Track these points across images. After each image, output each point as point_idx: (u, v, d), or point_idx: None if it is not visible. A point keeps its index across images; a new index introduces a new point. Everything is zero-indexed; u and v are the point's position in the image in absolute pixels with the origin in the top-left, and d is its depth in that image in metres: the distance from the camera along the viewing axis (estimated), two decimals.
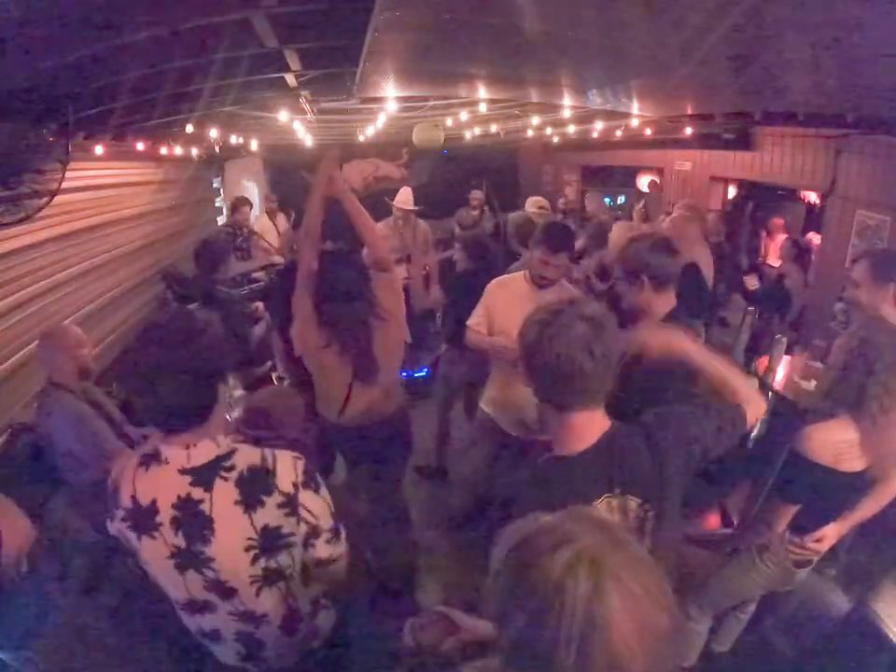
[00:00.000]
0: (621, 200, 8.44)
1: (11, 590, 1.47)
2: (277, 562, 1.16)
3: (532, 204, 4.83)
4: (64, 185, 2.45)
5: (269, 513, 1.10)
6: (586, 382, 1.06)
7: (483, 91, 3.01)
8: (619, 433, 1.14)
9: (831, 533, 1.70)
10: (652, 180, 6.53)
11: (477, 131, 5.44)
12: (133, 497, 1.11)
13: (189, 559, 1.11)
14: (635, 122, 4.65)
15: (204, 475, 1.08)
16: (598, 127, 5.06)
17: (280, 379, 3.76)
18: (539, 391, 1.14)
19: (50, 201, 2.40)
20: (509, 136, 6.22)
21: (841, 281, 3.52)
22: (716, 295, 4.64)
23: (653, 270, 1.74)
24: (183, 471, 1.08)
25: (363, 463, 2.43)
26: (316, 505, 1.17)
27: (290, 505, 1.12)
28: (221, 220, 6.30)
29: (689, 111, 4.02)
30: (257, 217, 6.03)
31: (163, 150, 4.04)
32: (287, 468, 1.14)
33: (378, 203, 4.65)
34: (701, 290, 3.14)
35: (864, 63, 1.79)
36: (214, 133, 3.89)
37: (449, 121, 4.30)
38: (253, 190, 7.21)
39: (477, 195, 6.66)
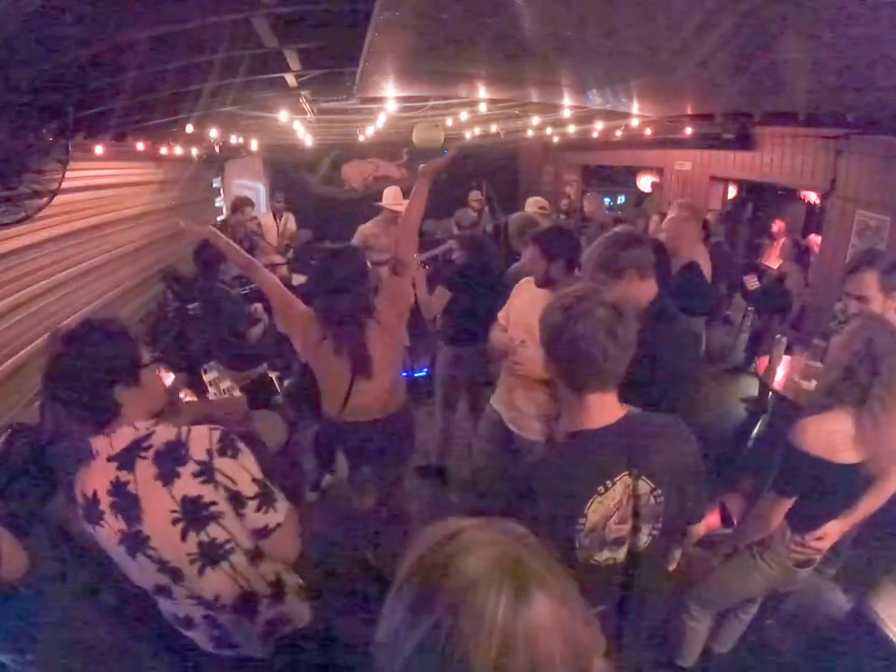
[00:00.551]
0: (621, 200, 8.46)
1: (11, 591, 1.47)
2: (208, 534, 1.18)
3: (532, 204, 4.83)
4: (64, 185, 2.45)
5: (186, 483, 1.15)
6: (607, 365, 1.11)
7: (483, 91, 3.01)
8: (637, 417, 1.20)
9: (832, 531, 1.70)
10: (654, 182, 6.54)
11: (477, 131, 5.44)
12: (83, 493, 1.20)
13: (133, 542, 1.19)
14: (635, 122, 4.65)
15: (126, 458, 1.16)
16: (598, 127, 5.07)
17: (280, 379, 3.77)
18: (560, 373, 1.18)
19: (50, 201, 2.40)
20: (509, 136, 6.22)
21: (841, 281, 3.51)
22: (718, 294, 4.65)
23: (636, 262, 1.80)
24: (109, 458, 1.17)
25: (364, 461, 2.44)
26: (234, 470, 1.18)
27: (206, 472, 1.15)
28: (221, 220, 6.30)
29: (689, 111, 4.02)
30: (262, 215, 6.03)
31: (163, 150, 4.04)
32: (201, 437, 1.18)
33: (379, 202, 4.65)
34: (702, 288, 3.14)
35: (864, 63, 1.79)
36: (214, 132, 3.89)
37: (449, 121, 4.30)
38: (253, 190, 7.22)
39: (477, 196, 6.65)
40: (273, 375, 3.77)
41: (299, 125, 4.02)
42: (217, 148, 5.01)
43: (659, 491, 1.18)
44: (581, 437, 1.18)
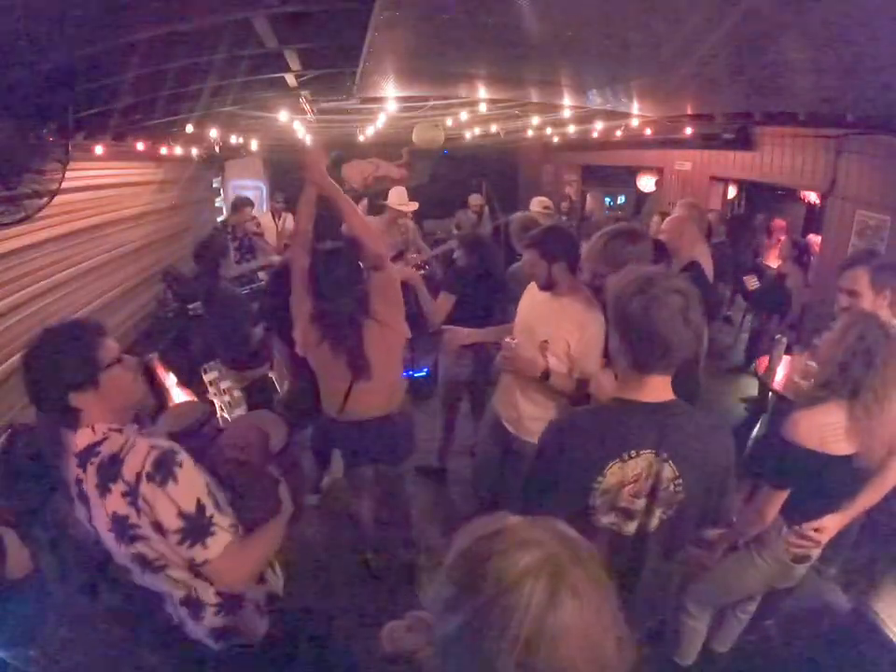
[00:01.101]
0: (621, 200, 8.45)
1: (11, 589, 1.47)
2: (138, 550, 1.18)
3: (536, 204, 4.83)
4: (64, 185, 2.45)
5: (115, 501, 1.15)
6: (678, 348, 1.15)
7: (483, 91, 3.02)
8: (681, 407, 1.24)
9: (830, 524, 1.70)
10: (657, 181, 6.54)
11: (477, 131, 5.44)
12: (72, 479, 1.25)
13: (93, 530, 1.24)
14: (635, 122, 4.65)
15: (82, 459, 1.19)
16: (598, 127, 5.06)
17: (281, 379, 3.77)
18: (628, 355, 1.20)
19: (50, 201, 2.40)
20: (509, 136, 6.22)
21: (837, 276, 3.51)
22: (718, 294, 4.65)
23: (636, 256, 1.81)
24: (75, 454, 1.21)
25: (361, 460, 2.43)
26: (159, 501, 1.13)
27: (131, 495, 1.14)
28: (221, 220, 6.31)
29: (689, 111, 4.02)
30: (261, 215, 6.03)
31: (163, 150, 4.04)
32: (137, 457, 1.15)
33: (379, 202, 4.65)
34: (704, 288, 3.13)
35: (864, 63, 1.79)
36: (214, 132, 3.89)
37: (449, 121, 4.30)
38: (254, 190, 7.21)
39: (477, 200, 6.65)
40: (273, 376, 3.77)
41: (299, 125, 4.02)
42: (216, 148, 5.01)
43: (681, 481, 1.22)
44: (622, 402, 1.23)
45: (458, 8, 1.50)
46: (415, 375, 4.30)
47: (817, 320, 4.09)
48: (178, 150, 4.28)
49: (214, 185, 6.46)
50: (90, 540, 1.33)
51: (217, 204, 6.56)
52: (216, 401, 3.16)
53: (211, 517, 1.19)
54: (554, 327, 2.15)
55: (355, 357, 2.10)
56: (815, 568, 1.90)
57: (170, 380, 2.94)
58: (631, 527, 1.27)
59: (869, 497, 1.72)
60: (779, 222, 6.06)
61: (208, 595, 1.28)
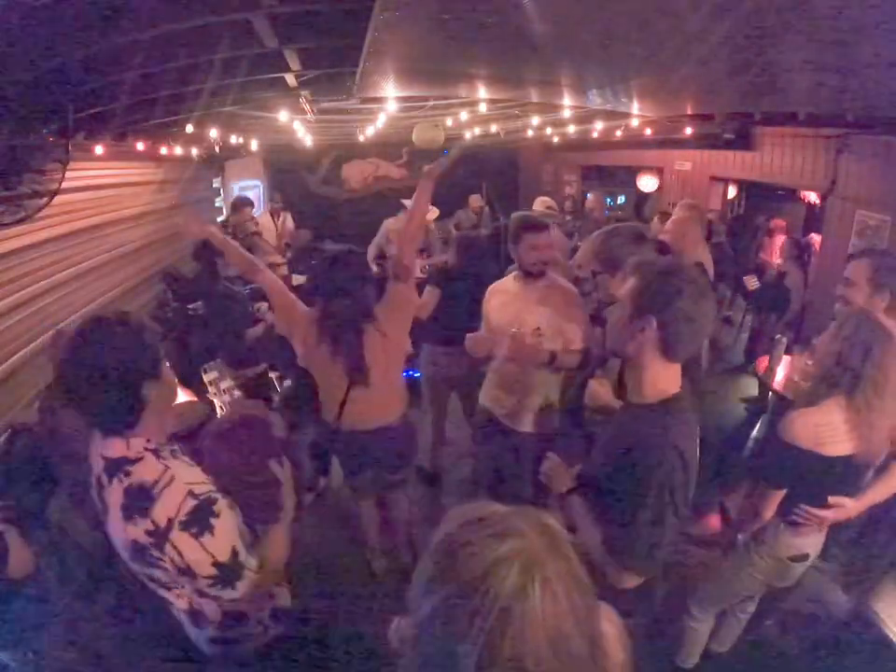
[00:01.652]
0: (621, 200, 8.45)
1: (12, 589, 1.47)
2: (152, 573, 1.15)
3: (540, 204, 4.84)
4: (64, 185, 2.45)
5: (138, 533, 1.09)
6: (706, 332, 1.23)
7: (483, 91, 3.01)
8: (686, 395, 1.30)
9: (848, 504, 1.67)
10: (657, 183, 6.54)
11: (477, 131, 5.44)
12: (90, 475, 1.20)
13: (105, 530, 1.19)
14: (635, 122, 4.65)
15: (109, 468, 1.13)
16: (598, 127, 5.06)
17: (281, 379, 3.77)
18: (664, 342, 1.22)
19: (50, 201, 2.40)
20: (509, 136, 6.22)
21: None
22: (719, 294, 4.64)
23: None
24: (101, 455, 1.15)
25: (360, 471, 2.40)
26: (191, 551, 1.09)
27: (157, 537, 1.08)
28: (221, 220, 6.30)
29: (689, 111, 4.02)
30: (260, 215, 6.04)
31: (163, 150, 4.04)
32: (172, 500, 1.09)
33: (380, 202, 4.66)
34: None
35: (864, 63, 1.79)
36: (214, 132, 3.89)
37: (449, 121, 4.30)
38: (254, 190, 7.21)
39: (477, 200, 6.64)
40: (273, 376, 3.77)
41: (299, 125, 4.02)
42: (217, 148, 5.01)
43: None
44: (676, 399, 1.27)
45: (458, 8, 1.50)
46: (415, 376, 4.29)
47: (817, 320, 4.10)
48: (178, 150, 4.27)
49: (214, 185, 6.45)
50: (90, 541, 1.33)
51: (217, 204, 6.55)
52: (216, 401, 3.16)
53: (243, 562, 1.17)
54: (543, 310, 2.26)
55: (352, 362, 2.09)
56: (815, 568, 1.89)
57: None
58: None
59: (881, 492, 1.71)
60: (778, 222, 6.06)
61: (213, 612, 1.26)
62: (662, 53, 1.92)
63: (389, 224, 4.74)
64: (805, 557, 1.79)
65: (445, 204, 6.61)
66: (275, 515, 1.32)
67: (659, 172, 6.75)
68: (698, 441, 1.29)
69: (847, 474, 1.62)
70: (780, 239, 5.58)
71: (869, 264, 2.00)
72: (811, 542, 1.78)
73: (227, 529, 1.14)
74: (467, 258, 3.09)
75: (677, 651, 2.13)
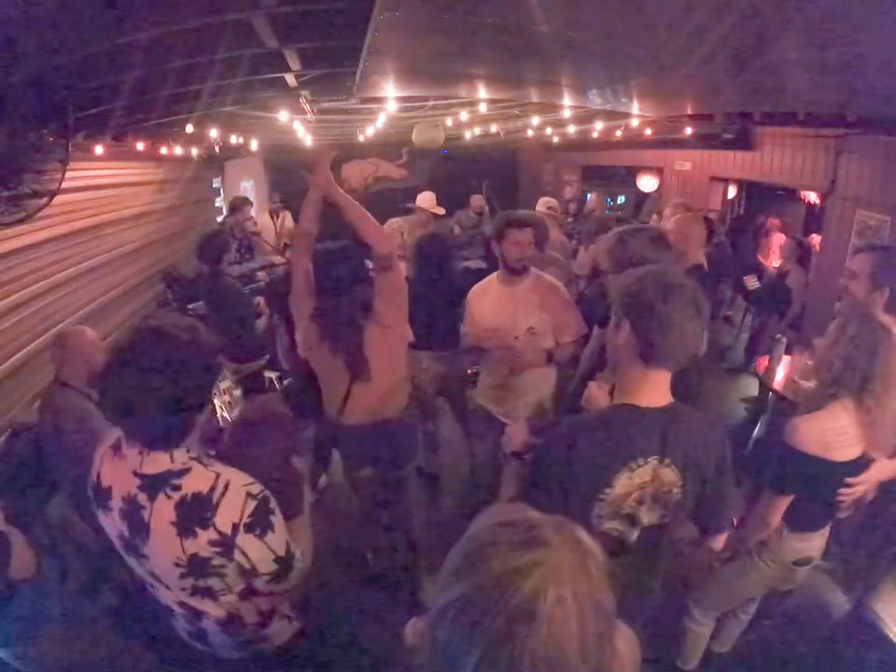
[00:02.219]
0: (621, 200, 8.45)
1: (13, 590, 1.47)
2: (206, 583, 1.13)
3: (542, 204, 4.83)
4: (64, 185, 2.45)
5: (200, 545, 1.07)
6: (690, 339, 1.16)
7: (483, 91, 3.01)
8: (681, 408, 1.23)
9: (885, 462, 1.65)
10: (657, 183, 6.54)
11: (477, 131, 5.44)
12: (98, 476, 1.17)
13: (131, 547, 1.15)
14: (635, 122, 4.65)
15: (151, 485, 1.08)
16: (598, 127, 5.07)
17: (280, 379, 3.77)
18: (640, 348, 1.18)
19: (50, 201, 2.40)
20: (509, 136, 6.22)
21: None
22: (719, 294, 4.64)
23: (654, 258, 1.77)
24: (135, 473, 1.09)
25: (363, 463, 2.41)
26: (256, 550, 1.10)
27: (224, 545, 1.07)
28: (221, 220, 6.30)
29: (689, 111, 4.02)
30: (259, 215, 6.04)
31: (163, 150, 4.04)
32: (233, 505, 1.07)
33: (380, 202, 4.65)
34: (709, 292, 3.14)
35: (864, 63, 1.79)
36: (214, 132, 3.89)
37: (449, 121, 4.30)
38: (253, 190, 7.21)
39: (478, 201, 6.64)
40: (272, 376, 3.77)
41: (299, 125, 4.02)
42: (216, 148, 5.01)
43: (681, 483, 1.22)
44: (626, 408, 1.21)
45: (458, 8, 1.50)
46: None
47: (817, 320, 4.10)
48: (178, 150, 4.28)
49: (214, 185, 6.46)
50: (90, 541, 1.32)
51: (217, 204, 6.56)
52: (216, 401, 3.15)
53: (294, 553, 1.19)
54: (534, 308, 2.31)
55: (353, 357, 2.09)
56: (815, 568, 1.89)
57: None
58: (634, 533, 1.27)
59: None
60: (774, 220, 6.04)
61: (250, 615, 1.26)
62: (662, 53, 1.92)
63: (394, 223, 4.73)
64: (808, 561, 1.78)
65: (445, 205, 6.61)
66: (300, 508, 1.32)
67: (659, 172, 6.75)
68: (708, 450, 1.24)
69: (854, 477, 1.61)
70: (777, 238, 5.58)
71: (871, 260, 1.99)
72: (815, 546, 1.77)
73: (281, 524, 1.16)
74: (420, 266, 2.98)
75: (678, 654, 2.13)
